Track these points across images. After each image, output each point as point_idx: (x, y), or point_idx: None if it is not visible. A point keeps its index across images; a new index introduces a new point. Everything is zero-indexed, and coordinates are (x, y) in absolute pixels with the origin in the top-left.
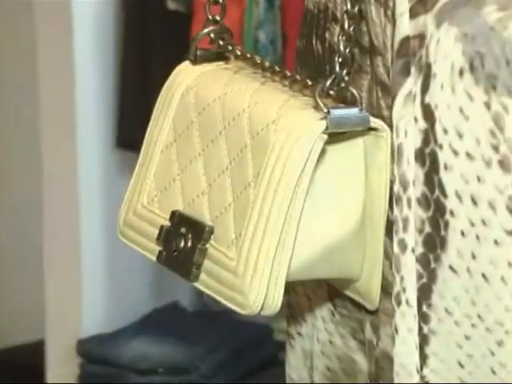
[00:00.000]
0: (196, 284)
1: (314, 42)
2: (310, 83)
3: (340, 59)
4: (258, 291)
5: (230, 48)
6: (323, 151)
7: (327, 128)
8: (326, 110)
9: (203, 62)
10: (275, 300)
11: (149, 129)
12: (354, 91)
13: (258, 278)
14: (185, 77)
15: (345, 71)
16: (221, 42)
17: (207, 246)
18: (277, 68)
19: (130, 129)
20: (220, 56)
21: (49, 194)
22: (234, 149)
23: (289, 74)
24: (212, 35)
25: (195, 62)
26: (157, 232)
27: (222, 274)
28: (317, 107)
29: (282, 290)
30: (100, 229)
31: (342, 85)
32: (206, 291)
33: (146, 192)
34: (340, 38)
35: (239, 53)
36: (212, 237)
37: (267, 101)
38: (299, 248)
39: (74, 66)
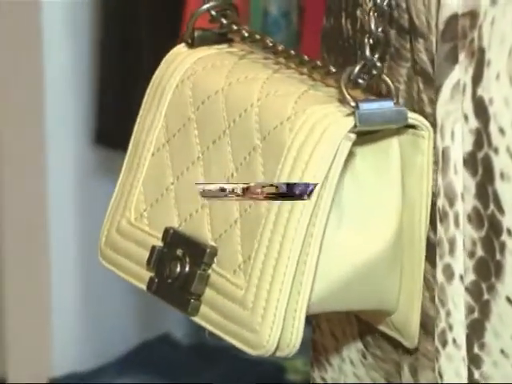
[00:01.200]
0: (195, 319)
1: (343, 21)
2: (333, 70)
3: (371, 41)
4: (272, 327)
5: (235, 28)
6: (350, 154)
7: (355, 126)
8: (353, 104)
9: (202, 44)
10: (293, 338)
11: (136, 127)
12: (388, 80)
13: (272, 310)
14: (179, 63)
15: (377, 55)
16: (224, 21)
17: (209, 271)
18: (292, 52)
19: (109, 122)
20: (222, 38)
21: (11, 200)
22: (241, 152)
23: (307, 59)
24: (213, 12)
25: (192, 45)
26: (147, 254)
27: (227, 305)
28: (343, 100)
29: (301, 326)
30: (74, 243)
31: (374, 72)
32: (208, 327)
33: (133, 205)
34: (371, 13)
35: (246, 34)
36: (215, 260)
37: (281, 92)
38: (322, 273)
39: (43, 48)
